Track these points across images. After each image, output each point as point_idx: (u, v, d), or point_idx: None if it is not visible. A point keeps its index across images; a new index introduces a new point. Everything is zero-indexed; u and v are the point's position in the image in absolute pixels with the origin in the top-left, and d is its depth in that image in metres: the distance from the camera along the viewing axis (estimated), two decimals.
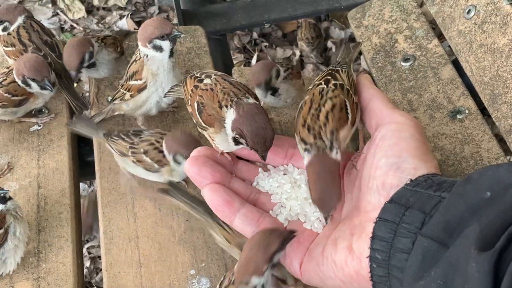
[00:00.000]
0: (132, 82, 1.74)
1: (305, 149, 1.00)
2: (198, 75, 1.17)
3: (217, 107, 1.08)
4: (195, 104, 1.13)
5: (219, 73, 1.17)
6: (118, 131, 1.73)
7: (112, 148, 1.71)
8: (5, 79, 1.85)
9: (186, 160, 1.00)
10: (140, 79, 1.72)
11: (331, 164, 0.99)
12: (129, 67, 1.75)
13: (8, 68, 1.89)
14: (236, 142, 1.05)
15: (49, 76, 1.81)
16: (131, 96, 1.76)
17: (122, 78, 1.81)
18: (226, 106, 1.07)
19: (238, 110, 1.06)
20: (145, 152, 1.65)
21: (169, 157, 1.62)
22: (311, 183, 0.98)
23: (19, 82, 1.81)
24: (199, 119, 1.12)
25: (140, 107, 1.79)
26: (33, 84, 1.81)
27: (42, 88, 1.81)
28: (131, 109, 1.81)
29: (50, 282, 1.61)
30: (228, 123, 1.06)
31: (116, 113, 1.86)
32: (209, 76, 1.15)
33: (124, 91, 1.77)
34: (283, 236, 0.96)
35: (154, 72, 1.70)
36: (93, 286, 2.53)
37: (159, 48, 1.66)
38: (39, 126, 1.91)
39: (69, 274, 1.63)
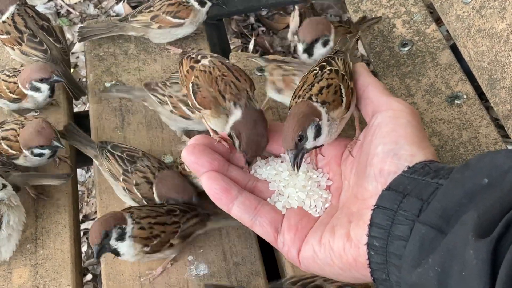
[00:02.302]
0: (184, 108, 1.75)
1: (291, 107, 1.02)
2: (194, 56, 1.16)
3: (219, 95, 1.08)
4: (190, 85, 1.12)
5: (215, 55, 1.16)
6: (113, 146, 1.74)
7: (104, 164, 1.73)
8: (12, 76, 1.88)
9: (184, 149, 0.99)
10: (192, 113, 1.74)
11: (307, 106, 1.00)
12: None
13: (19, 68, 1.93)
14: (230, 138, 1.06)
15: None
16: (171, 111, 1.77)
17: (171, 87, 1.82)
18: (234, 103, 1.07)
19: (243, 113, 1.06)
20: (137, 185, 1.66)
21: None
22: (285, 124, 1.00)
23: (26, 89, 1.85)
24: (194, 100, 1.11)
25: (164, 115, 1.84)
26: (42, 86, 1.85)
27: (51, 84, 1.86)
28: (159, 111, 1.85)
29: (48, 268, 1.62)
30: (230, 122, 1.06)
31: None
32: (205, 57, 1.14)
33: (167, 101, 1.78)
34: None
35: None
36: (89, 272, 2.53)
37: None
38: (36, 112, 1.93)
39: (67, 260, 1.63)
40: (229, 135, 1.06)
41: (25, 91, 1.84)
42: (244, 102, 1.08)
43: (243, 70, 1.13)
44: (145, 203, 1.63)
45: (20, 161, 1.74)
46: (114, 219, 1.48)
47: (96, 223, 1.47)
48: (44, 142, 1.70)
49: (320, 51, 1.71)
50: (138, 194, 1.64)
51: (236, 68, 1.12)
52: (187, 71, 1.15)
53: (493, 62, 1.81)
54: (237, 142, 1.04)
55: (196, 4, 2.01)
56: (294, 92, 1.05)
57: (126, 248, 1.49)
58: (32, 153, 1.71)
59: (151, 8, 2.04)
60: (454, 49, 2.02)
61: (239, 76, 1.10)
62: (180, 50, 2.10)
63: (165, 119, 1.82)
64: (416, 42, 2.06)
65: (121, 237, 1.48)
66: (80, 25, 3.24)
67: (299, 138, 0.97)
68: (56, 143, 1.70)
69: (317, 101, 1.00)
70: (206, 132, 1.14)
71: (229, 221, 1.62)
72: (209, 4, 2.02)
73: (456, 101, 1.88)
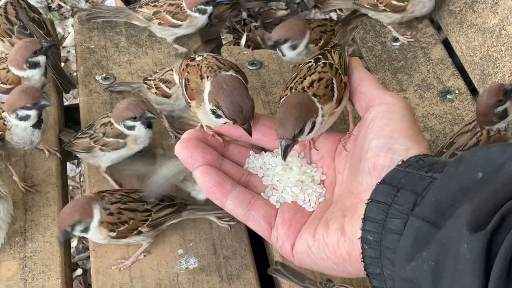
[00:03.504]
0: (163, 86, 1.81)
1: (282, 97, 1.02)
2: (192, 56, 1.17)
3: (199, 79, 1.07)
4: (183, 81, 1.12)
5: (212, 54, 1.17)
6: (73, 135, 1.80)
7: (76, 151, 1.77)
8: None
9: (177, 143, 0.99)
10: (169, 88, 1.80)
11: (305, 98, 0.99)
12: (167, 70, 1.82)
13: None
14: (215, 115, 1.05)
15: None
16: (156, 93, 1.83)
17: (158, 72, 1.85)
18: (207, 77, 1.07)
19: (214, 81, 1.05)
20: (104, 134, 1.69)
21: (121, 128, 1.68)
22: (277, 113, 0.99)
23: (25, 71, 1.81)
24: (186, 95, 1.11)
25: (154, 103, 1.86)
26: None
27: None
28: (150, 99, 1.87)
29: (37, 261, 1.61)
30: (206, 95, 1.06)
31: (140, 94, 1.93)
32: (201, 56, 1.15)
33: (152, 84, 1.84)
34: None
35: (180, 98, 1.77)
36: (79, 267, 2.52)
37: None
38: None
39: (56, 253, 1.63)
40: (213, 112, 1.05)
41: (21, 73, 1.80)
42: (215, 73, 1.07)
43: (235, 64, 1.12)
44: (121, 141, 1.70)
45: (6, 142, 1.70)
46: (81, 212, 1.49)
47: (64, 212, 1.49)
48: (31, 100, 1.64)
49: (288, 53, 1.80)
50: (111, 139, 1.72)
51: (227, 61, 1.12)
52: (183, 69, 1.15)
53: (485, 57, 1.81)
54: (221, 113, 1.03)
55: (195, 14, 2.00)
56: (286, 84, 1.05)
57: (92, 234, 1.54)
58: (17, 116, 1.66)
59: (156, 3, 2.04)
60: (446, 44, 2.02)
61: (225, 63, 1.10)
62: (185, 50, 2.09)
63: (155, 105, 1.84)
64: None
65: (85, 230, 1.52)
66: (71, 19, 3.24)
67: (299, 131, 0.96)
68: (44, 101, 1.66)
69: (313, 95, 1.00)
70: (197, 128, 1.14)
71: (204, 212, 1.65)
72: (210, 9, 2.00)
73: (448, 96, 1.88)
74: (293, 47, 1.83)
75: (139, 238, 1.57)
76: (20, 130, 1.68)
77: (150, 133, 1.71)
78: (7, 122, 1.66)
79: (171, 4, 2.01)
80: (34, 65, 1.78)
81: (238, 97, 1.02)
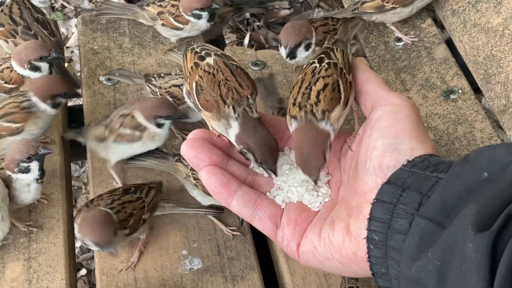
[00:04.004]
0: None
1: (294, 118, 1.01)
2: (198, 50, 1.15)
3: (220, 99, 1.06)
4: (194, 85, 1.11)
5: (219, 52, 1.15)
6: (87, 124, 1.80)
7: (88, 140, 1.77)
8: (1, 65, 1.82)
9: (183, 143, 0.99)
10: (177, 105, 1.77)
11: (317, 131, 0.99)
12: (175, 82, 1.82)
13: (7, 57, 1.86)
14: (244, 156, 1.04)
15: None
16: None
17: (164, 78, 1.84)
18: (233, 110, 1.06)
19: (242, 124, 1.05)
20: (122, 125, 1.68)
21: (148, 124, 1.67)
22: (296, 148, 0.99)
23: (24, 70, 1.79)
24: (196, 100, 1.10)
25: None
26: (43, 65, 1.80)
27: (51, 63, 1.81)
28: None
29: (41, 262, 1.61)
30: (232, 135, 1.05)
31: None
32: (209, 55, 1.13)
33: (157, 92, 1.83)
34: None
35: None
36: (83, 267, 2.52)
37: None
38: None
39: (61, 254, 1.63)
40: (240, 152, 1.04)
41: (21, 71, 1.79)
42: (242, 111, 1.06)
43: (247, 74, 1.11)
44: (138, 133, 1.69)
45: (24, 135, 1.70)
46: (106, 220, 1.51)
47: (96, 232, 1.48)
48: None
49: (302, 54, 1.74)
50: (128, 130, 1.70)
51: (239, 73, 1.10)
52: (191, 68, 1.13)
53: (489, 56, 1.81)
54: (251, 156, 1.03)
55: (192, 19, 2.00)
56: (292, 92, 1.04)
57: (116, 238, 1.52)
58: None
59: (161, 3, 2.04)
60: (450, 44, 2.02)
61: (242, 81, 1.08)
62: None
63: None
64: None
65: (115, 233, 1.52)
66: (74, 19, 3.24)
67: (322, 164, 0.97)
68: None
69: (317, 119, 0.99)
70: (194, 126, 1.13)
71: (187, 208, 1.68)
72: (205, 14, 2.01)
73: (452, 96, 1.88)
74: (307, 47, 1.81)
75: (143, 228, 1.59)
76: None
77: (168, 134, 1.71)
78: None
79: (173, 5, 2.02)
80: (35, 69, 1.77)
81: (267, 138, 1.03)
